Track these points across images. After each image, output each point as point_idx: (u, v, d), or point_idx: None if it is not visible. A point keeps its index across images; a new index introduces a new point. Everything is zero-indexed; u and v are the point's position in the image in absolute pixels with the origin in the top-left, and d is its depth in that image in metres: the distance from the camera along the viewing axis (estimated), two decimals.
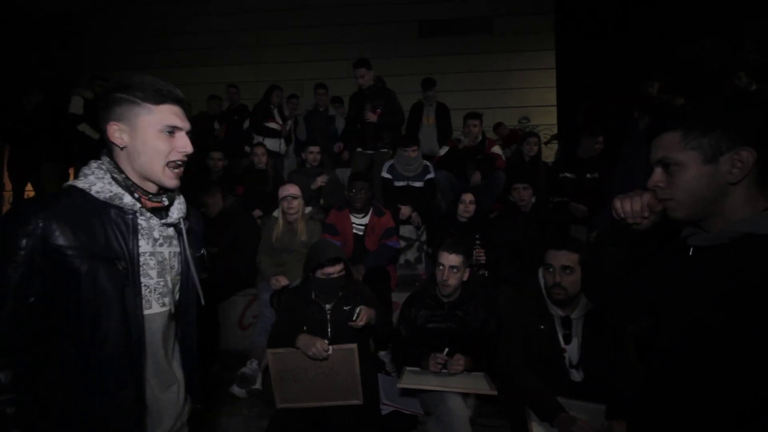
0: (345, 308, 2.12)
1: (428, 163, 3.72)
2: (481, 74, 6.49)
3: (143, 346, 0.98)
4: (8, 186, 5.29)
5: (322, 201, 3.64)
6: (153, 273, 1.00)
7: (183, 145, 0.99)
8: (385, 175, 3.70)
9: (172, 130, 0.97)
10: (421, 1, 6.59)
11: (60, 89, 4.59)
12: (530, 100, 6.43)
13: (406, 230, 3.67)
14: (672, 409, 0.91)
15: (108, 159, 0.98)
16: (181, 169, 1.01)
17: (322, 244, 2.22)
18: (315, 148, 3.76)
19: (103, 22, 6.93)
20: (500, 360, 1.88)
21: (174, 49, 6.91)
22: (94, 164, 0.97)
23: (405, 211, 3.48)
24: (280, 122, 4.51)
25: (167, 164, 0.98)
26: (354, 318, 2.00)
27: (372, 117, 3.82)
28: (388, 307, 2.70)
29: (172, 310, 1.07)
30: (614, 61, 6.62)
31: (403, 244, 3.57)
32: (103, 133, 0.97)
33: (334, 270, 2.07)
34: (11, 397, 0.86)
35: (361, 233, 3.05)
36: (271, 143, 4.38)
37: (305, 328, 2.06)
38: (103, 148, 1.01)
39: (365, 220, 3.06)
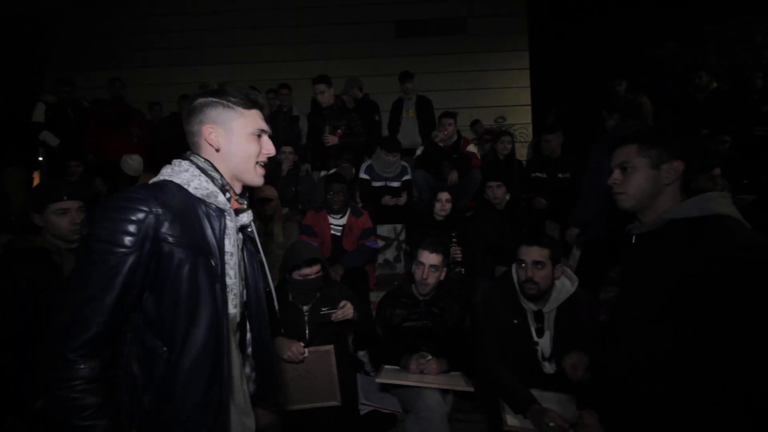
0: (323, 309, 2.11)
1: (406, 164, 3.74)
2: (457, 74, 6.56)
3: (228, 348, 0.97)
4: None
5: (300, 206, 3.61)
6: (232, 273, 1.01)
7: (269, 147, 1.06)
8: (363, 175, 3.70)
9: (260, 134, 1.04)
10: (397, 2, 6.61)
11: (24, 92, 4.39)
12: (506, 100, 6.55)
13: (384, 230, 3.68)
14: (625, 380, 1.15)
15: (203, 159, 1.00)
16: (266, 171, 1.08)
17: (299, 245, 2.20)
18: (288, 148, 3.71)
19: (72, 22, 6.66)
20: (476, 355, 1.92)
21: (147, 48, 6.72)
22: (185, 163, 0.99)
23: (387, 199, 3.51)
24: None
25: (257, 164, 1.04)
26: (337, 309, 2.00)
27: (333, 139, 3.69)
28: (366, 307, 2.70)
29: (238, 316, 1.06)
30: (586, 62, 6.83)
31: (381, 243, 3.58)
32: (194, 135, 1.01)
33: (312, 271, 2.05)
34: (94, 387, 0.81)
35: (338, 234, 3.04)
36: None
37: (282, 330, 2.04)
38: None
39: (343, 221, 3.05)
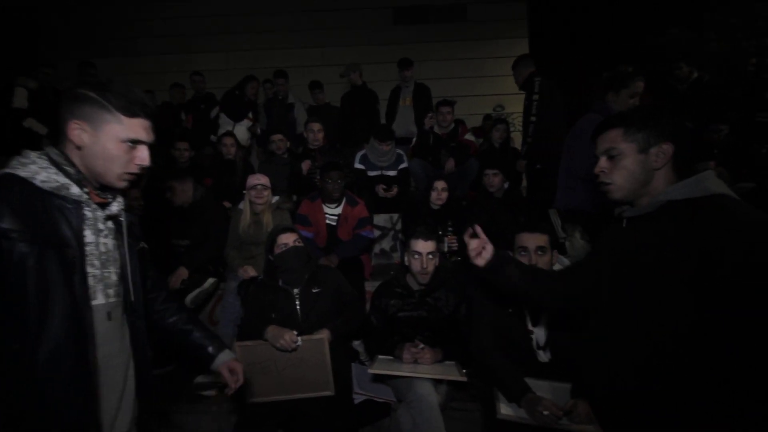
0: (314, 291, 2.09)
1: (401, 152, 3.69)
2: (456, 62, 6.45)
3: (93, 337, 0.96)
4: None
5: (295, 197, 3.55)
6: (97, 263, 1.00)
7: (142, 158, 1.00)
8: (358, 165, 3.65)
9: (135, 143, 0.98)
10: None
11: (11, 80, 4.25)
12: (505, 88, 6.41)
13: (381, 219, 3.64)
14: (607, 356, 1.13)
15: (57, 151, 0.96)
16: (134, 177, 1.03)
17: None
18: (278, 136, 3.65)
19: (61, 9, 6.51)
20: (472, 344, 1.89)
21: (139, 36, 6.59)
22: (32, 154, 0.94)
23: (379, 189, 3.48)
24: (252, 118, 4.37)
25: (124, 173, 0.99)
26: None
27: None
28: (361, 297, 2.68)
29: (122, 304, 1.07)
30: (586, 48, 6.72)
31: (378, 233, 3.55)
32: (61, 123, 0.95)
33: (289, 239, 2.09)
34: None
35: (334, 223, 3.00)
36: (241, 134, 4.22)
37: (274, 316, 2.02)
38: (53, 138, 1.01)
39: (338, 210, 3.01)
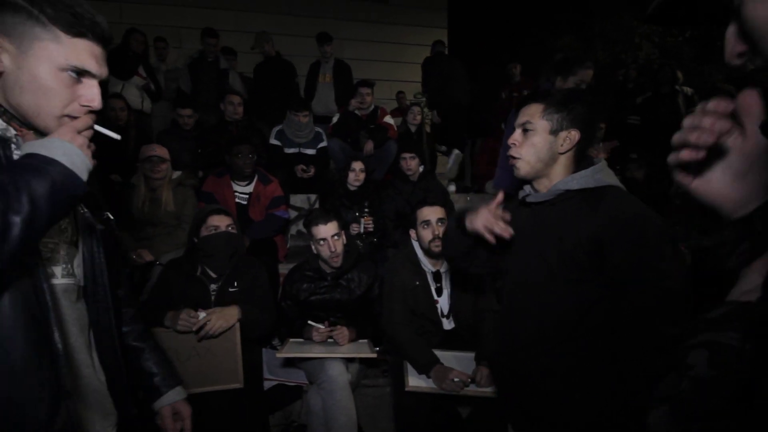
0: (231, 290, 1.93)
1: (320, 130, 3.57)
2: (378, 44, 6.41)
3: (53, 321, 0.73)
4: None
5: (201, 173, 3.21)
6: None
7: (90, 97, 0.72)
8: (274, 141, 3.45)
9: (81, 74, 0.71)
10: None
11: None
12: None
13: (298, 200, 3.51)
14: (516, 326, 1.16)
15: None
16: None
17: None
18: (187, 111, 3.27)
19: None
20: (383, 320, 1.95)
21: None
22: None
23: (299, 169, 3.34)
24: (144, 75, 3.82)
25: (64, 116, 0.71)
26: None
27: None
28: (274, 280, 2.56)
29: (80, 286, 0.83)
30: (497, 42, 7.21)
31: (294, 213, 3.42)
32: None
33: (222, 222, 1.90)
34: None
35: (244, 203, 2.80)
36: (133, 95, 3.67)
37: (182, 308, 1.81)
38: None
39: (249, 188, 2.82)
